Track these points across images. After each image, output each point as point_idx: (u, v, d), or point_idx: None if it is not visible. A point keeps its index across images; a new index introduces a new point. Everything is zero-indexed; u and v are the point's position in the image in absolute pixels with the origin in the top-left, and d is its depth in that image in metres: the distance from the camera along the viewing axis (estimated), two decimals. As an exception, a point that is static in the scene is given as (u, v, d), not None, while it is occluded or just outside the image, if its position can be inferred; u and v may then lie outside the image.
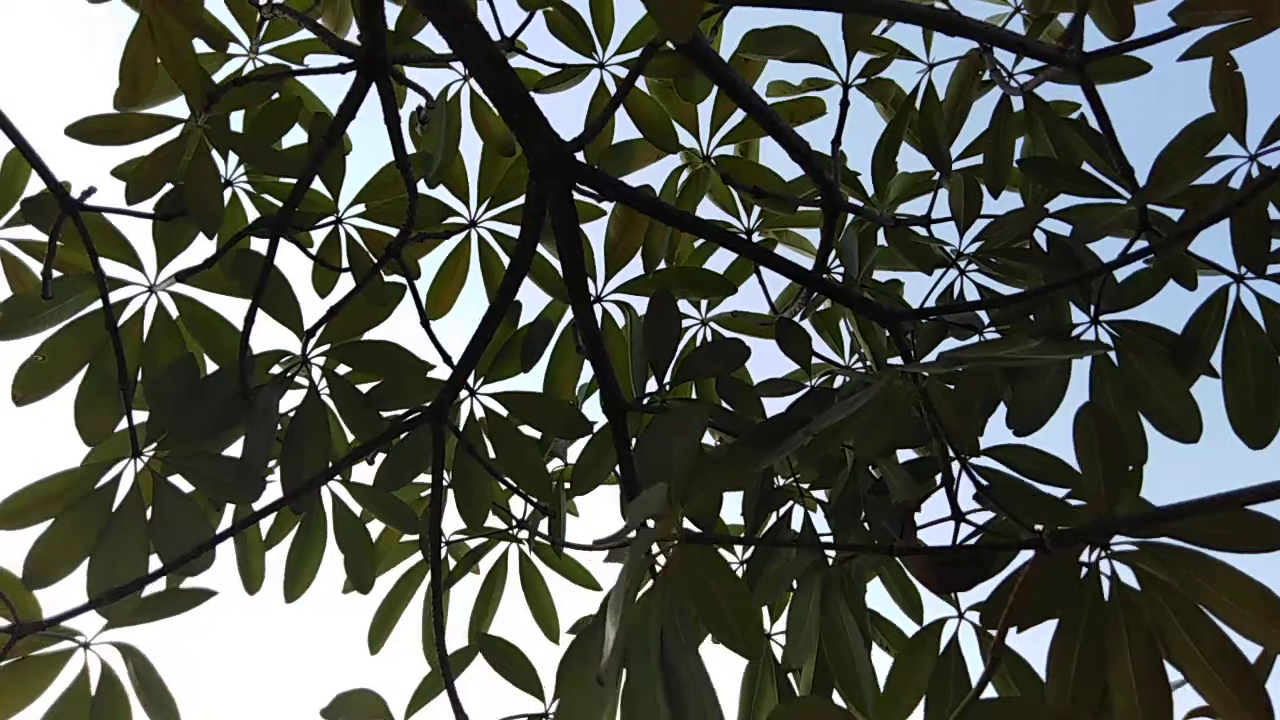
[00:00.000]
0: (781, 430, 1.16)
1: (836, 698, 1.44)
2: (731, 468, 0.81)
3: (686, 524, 0.76)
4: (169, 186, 1.42)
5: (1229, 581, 0.72)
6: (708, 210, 1.92)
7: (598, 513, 1.68)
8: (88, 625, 1.32)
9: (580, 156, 1.43)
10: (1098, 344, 1.29)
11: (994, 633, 1.06)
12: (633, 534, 0.73)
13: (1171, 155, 1.28)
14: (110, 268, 1.42)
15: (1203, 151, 1.26)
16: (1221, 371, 1.32)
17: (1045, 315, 1.47)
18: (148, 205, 1.43)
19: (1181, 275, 1.34)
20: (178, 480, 1.39)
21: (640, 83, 1.68)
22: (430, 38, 1.65)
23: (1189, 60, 1.20)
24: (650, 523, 0.73)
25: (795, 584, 1.45)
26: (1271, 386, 1.29)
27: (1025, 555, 0.79)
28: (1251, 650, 0.74)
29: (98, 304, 1.38)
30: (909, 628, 1.70)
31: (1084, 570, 0.78)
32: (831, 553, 1.38)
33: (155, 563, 1.37)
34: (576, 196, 1.44)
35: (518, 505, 1.84)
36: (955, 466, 1.15)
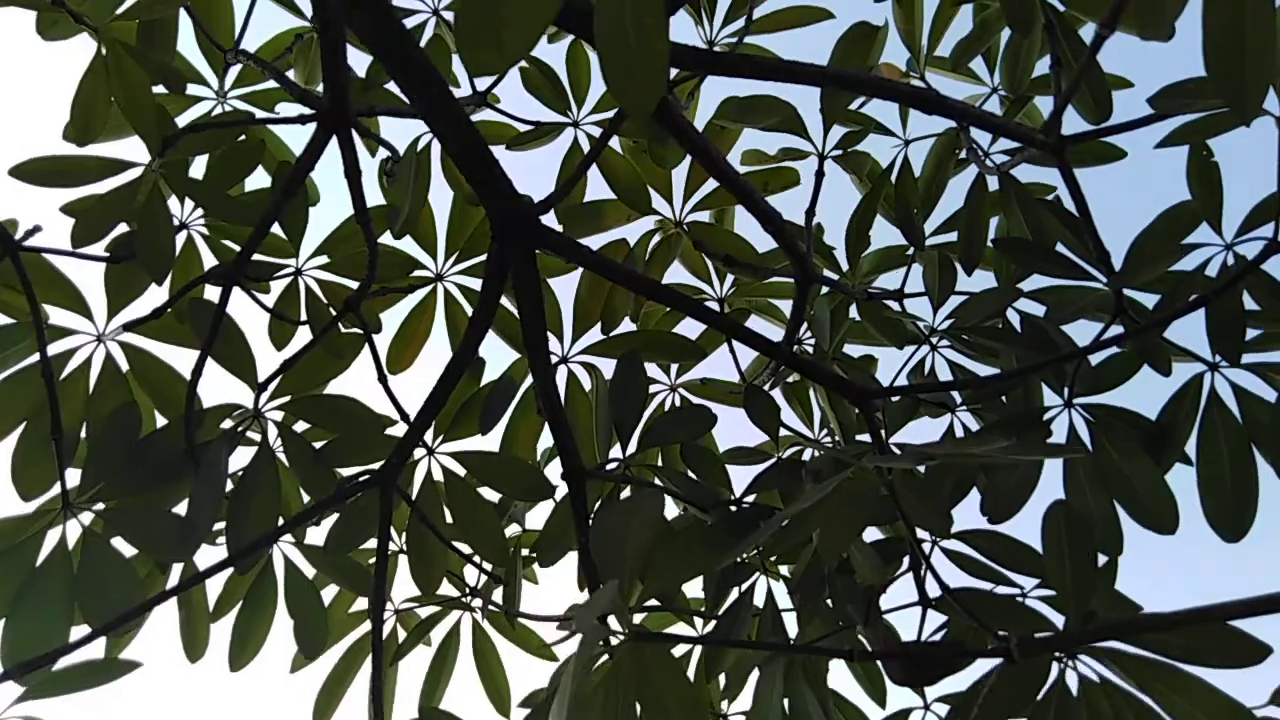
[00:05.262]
0: (749, 521, 1.12)
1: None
2: (694, 557, 0.76)
3: (640, 615, 0.71)
4: (123, 228, 1.37)
5: (1200, 696, 0.68)
6: (680, 275, 1.89)
7: (556, 573, 1.61)
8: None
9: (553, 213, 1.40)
10: (1071, 447, 1.26)
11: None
12: (582, 628, 0.68)
13: (1147, 240, 1.27)
14: (58, 315, 1.36)
15: (1179, 237, 1.24)
16: (1195, 460, 1.29)
17: (1018, 396, 1.45)
18: (100, 248, 1.37)
19: (1156, 361, 1.32)
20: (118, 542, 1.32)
21: (614, 142, 1.66)
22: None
23: (1166, 148, 1.19)
24: (602, 617, 0.68)
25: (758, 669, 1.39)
26: (1246, 477, 1.26)
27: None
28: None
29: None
30: (869, 709, 1.65)
31: (1051, 678, 0.73)
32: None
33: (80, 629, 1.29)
34: (548, 252, 1.41)
35: (471, 572, 1.78)
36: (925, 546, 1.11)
